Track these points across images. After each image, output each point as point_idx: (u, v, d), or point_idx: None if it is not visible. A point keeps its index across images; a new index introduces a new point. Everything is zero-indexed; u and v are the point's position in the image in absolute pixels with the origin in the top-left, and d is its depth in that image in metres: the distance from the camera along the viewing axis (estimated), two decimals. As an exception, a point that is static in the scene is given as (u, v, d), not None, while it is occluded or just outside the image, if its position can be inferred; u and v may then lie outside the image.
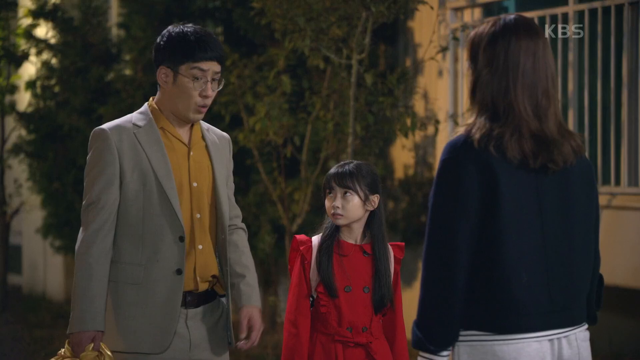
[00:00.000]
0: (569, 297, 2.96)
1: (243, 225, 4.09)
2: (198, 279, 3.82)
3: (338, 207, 3.99)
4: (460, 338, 2.93)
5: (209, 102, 3.81)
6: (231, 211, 4.02)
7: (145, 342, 3.76)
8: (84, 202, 3.81)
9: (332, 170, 4.06)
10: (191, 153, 3.85)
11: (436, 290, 2.91)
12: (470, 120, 2.96)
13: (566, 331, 2.96)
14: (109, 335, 3.79)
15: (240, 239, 4.04)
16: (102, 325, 3.72)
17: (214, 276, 3.88)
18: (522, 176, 2.90)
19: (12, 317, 10.66)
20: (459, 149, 2.90)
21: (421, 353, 2.93)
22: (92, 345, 3.70)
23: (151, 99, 3.91)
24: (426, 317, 2.92)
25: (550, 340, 2.93)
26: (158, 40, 3.85)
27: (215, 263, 3.88)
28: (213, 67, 3.78)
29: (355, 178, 4.00)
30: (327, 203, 4.03)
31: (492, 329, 2.90)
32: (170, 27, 3.84)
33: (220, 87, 3.85)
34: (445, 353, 2.92)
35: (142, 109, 3.89)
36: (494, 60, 2.94)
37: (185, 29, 3.80)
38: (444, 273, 2.89)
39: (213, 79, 3.80)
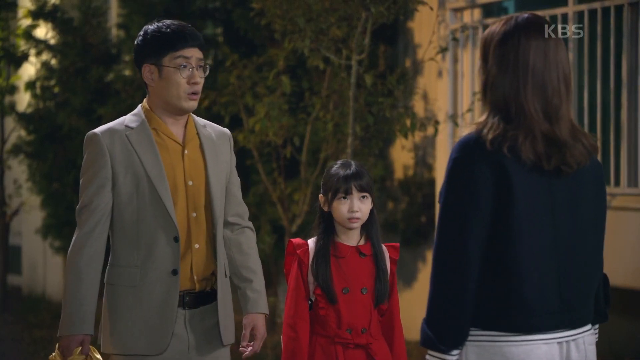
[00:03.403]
0: (579, 298, 2.95)
1: (250, 224, 4.06)
2: (195, 278, 3.82)
3: (357, 211, 3.95)
4: (469, 338, 2.91)
5: (198, 88, 3.80)
6: (235, 208, 4.00)
7: (143, 344, 3.76)
8: (77, 206, 3.82)
9: (341, 172, 3.97)
10: (186, 151, 3.85)
11: (447, 289, 2.88)
12: (482, 118, 2.94)
13: (575, 334, 2.96)
14: (108, 338, 3.80)
15: (246, 239, 4.01)
16: (90, 329, 3.71)
17: (213, 274, 3.87)
18: (535, 177, 2.88)
19: (11, 317, 10.65)
20: (472, 147, 2.88)
21: (430, 352, 2.91)
22: (80, 348, 3.69)
23: (144, 100, 3.91)
24: (437, 316, 2.90)
25: (559, 343, 2.92)
26: (136, 41, 3.87)
27: (213, 262, 3.87)
28: (196, 54, 3.79)
29: (366, 180, 3.98)
30: (340, 207, 3.95)
31: (502, 328, 2.88)
32: (145, 27, 3.86)
33: (207, 74, 3.85)
34: (455, 352, 2.89)
35: (135, 110, 3.89)
36: (504, 60, 2.92)
37: (160, 23, 3.83)
38: (455, 272, 2.87)
39: (199, 66, 3.80)
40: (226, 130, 4.04)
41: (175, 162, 3.82)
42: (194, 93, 3.80)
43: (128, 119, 3.86)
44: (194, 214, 3.82)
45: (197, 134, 3.89)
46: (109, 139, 3.78)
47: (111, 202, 3.77)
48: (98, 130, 3.82)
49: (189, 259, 3.80)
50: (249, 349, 3.93)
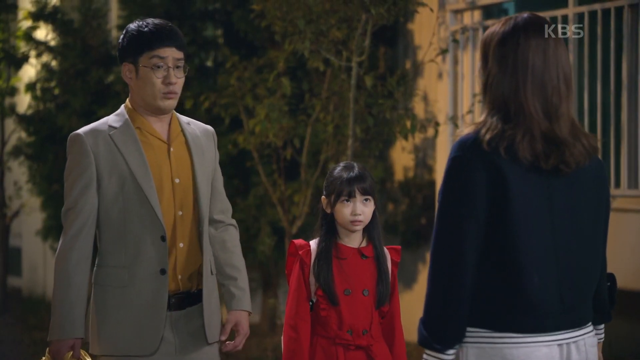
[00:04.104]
0: (578, 298, 2.96)
1: (233, 222, 4.05)
2: (179, 277, 3.81)
3: (360, 214, 3.95)
4: (469, 339, 2.91)
5: (174, 88, 3.79)
6: (220, 204, 3.99)
7: (133, 345, 3.75)
8: (63, 208, 3.80)
9: (344, 174, 3.97)
10: (171, 149, 3.84)
11: (443, 288, 2.89)
12: (481, 118, 2.94)
13: (576, 336, 2.95)
14: (98, 340, 3.78)
15: (230, 237, 4.00)
16: (81, 332, 3.70)
17: (198, 273, 3.86)
18: (533, 177, 2.88)
19: (12, 319, 10.66)
20: (470, 147, 2.88)
21: (427, 351, 2.91)
22: (72, 353, 3.68)
23: (127, 99, 3.91)
24: (433, 316, 2.90)
25: (559, 345, 2.92)
26: (119, 40, 3.88)
27: (198, 260, 3.86)
28: (172, 54, 3.78)
29: (369, 183, 3.98)
30: (342, 210, 3.95)
31: (503, 329, 2.88)
32: (128, 25, 3.87)
33: (186, 74, 3.84)
34: (451, 351, 2.89)
35: (118, 110, 3.89)
36: (504, 60, 2.92)
37: (141, 22, 3.84)
38: (451, 271, 2.87)
39: (176, 66, 3.80)
40: (210, 127, 4.04)
41: (162, 161, 3.81)
42: (170, 92, 3.79)
43: (111, 119, 3.85)
44: (180, 213, 3.81)
45: (182, 131, 3.89)
46: (92, 140, 3.76)
47: (97, 203, 3.76)
48: (81, 130, 3.81)
49: (173, 258, 3.80)
50: (228, 342, 3.92)
